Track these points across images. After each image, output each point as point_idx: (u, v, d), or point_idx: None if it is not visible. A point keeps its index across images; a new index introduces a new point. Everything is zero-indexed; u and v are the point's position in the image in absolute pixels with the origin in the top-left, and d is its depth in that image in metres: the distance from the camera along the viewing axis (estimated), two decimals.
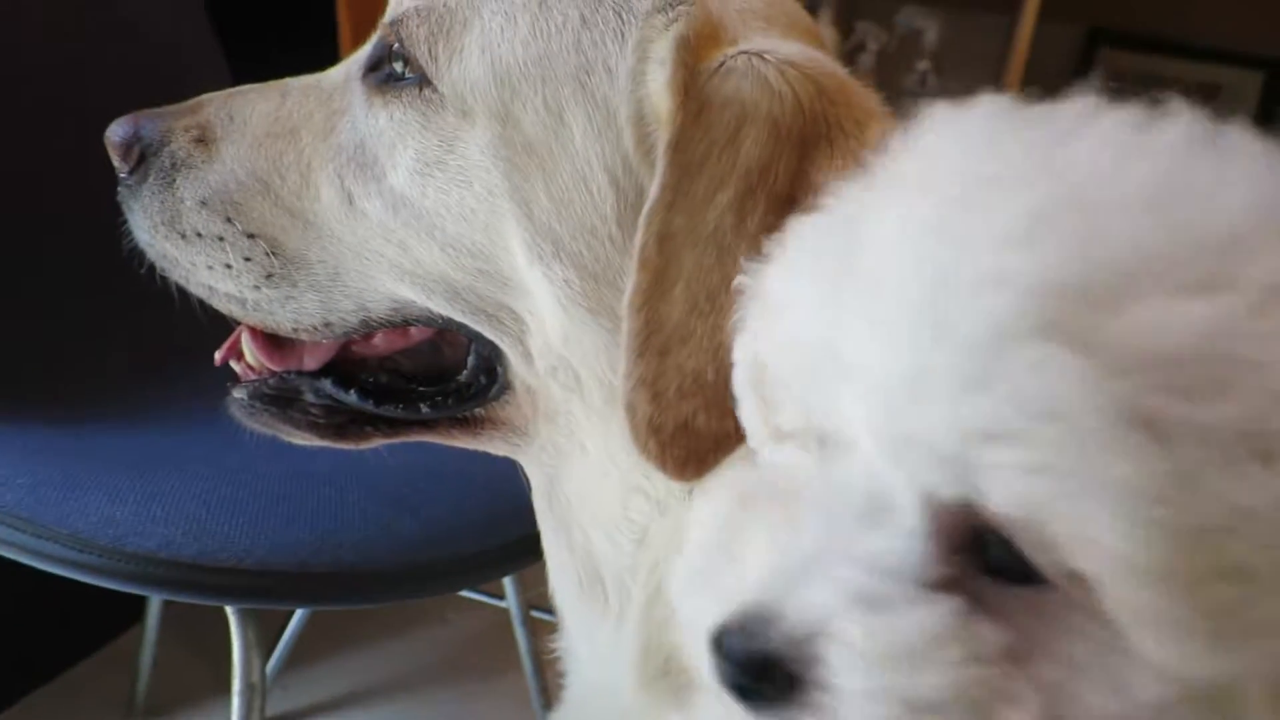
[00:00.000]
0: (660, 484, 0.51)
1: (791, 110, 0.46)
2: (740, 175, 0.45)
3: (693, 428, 0.45)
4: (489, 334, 0.55)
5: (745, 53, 0.47)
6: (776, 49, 0.48)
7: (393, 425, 0.59)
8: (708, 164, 0.46)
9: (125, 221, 0.60)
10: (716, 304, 0.45)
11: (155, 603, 1.23)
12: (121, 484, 0.75)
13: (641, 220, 0.47)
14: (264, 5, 1.59)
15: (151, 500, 0.73)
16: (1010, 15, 2.06)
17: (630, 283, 0.47)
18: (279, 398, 0.59)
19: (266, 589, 0.69)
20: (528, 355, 0.55)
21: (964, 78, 2.19)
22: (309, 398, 0.59)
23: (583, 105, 0.50)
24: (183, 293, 0.59)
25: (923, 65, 2.21)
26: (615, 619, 0.56)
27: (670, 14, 0.49)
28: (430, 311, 0.55)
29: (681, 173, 0.46)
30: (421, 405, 0.58)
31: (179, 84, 0.68)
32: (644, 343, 0.46)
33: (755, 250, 0.42)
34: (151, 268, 0.60)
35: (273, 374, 0.60)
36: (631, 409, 0.46)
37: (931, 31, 2.19)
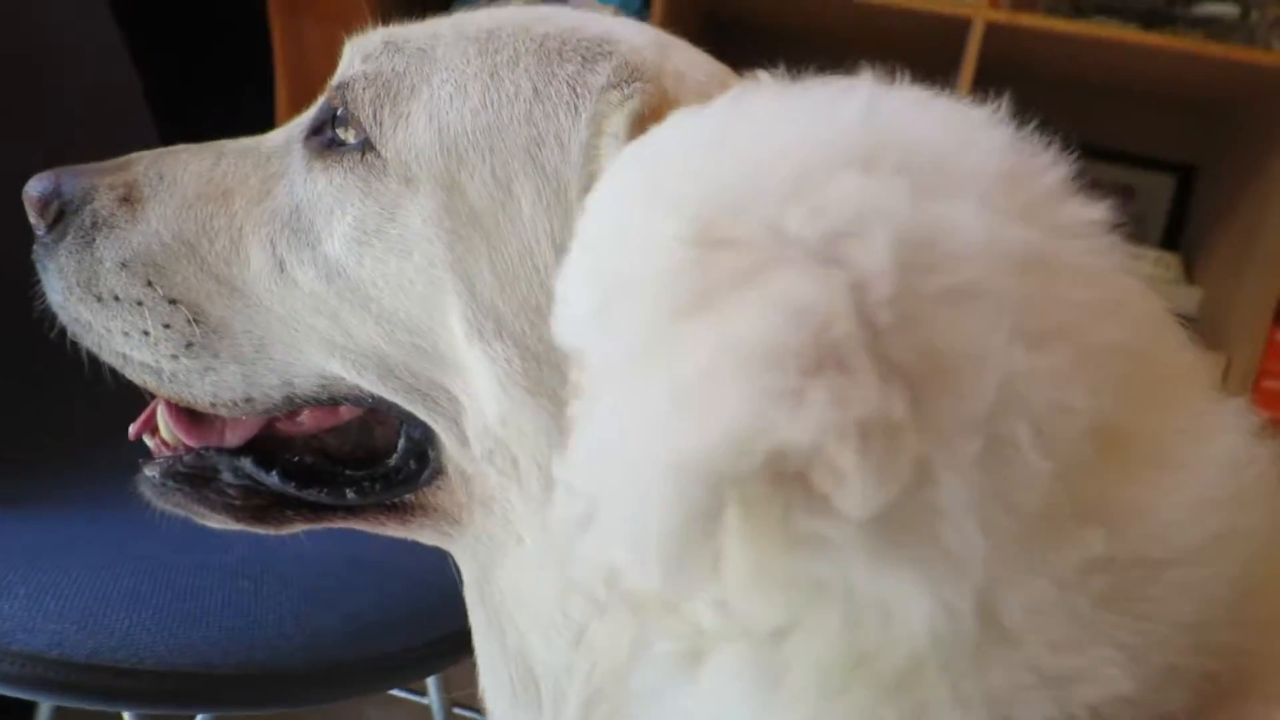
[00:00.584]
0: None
1: None
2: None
3: None
4: (422, 415, 0.52)
5: None
6: None
7: (316, 510, 0.56)
8: None
9: (37, 283, 0.56)
10: None
11: (45, 708, 1.13)
12: (9, 575, 0.69)
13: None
14: (199, 68, 1.56)
15: (43, 593, 0.67)
16: None
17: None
18: (194, 476, 0.56)
19: (169, 693, 0.63)
20: (463, 438, 0.52)
21: None
22: (227, 477, 0.56)
23: (532, 178, 0.48)
24: (94, 362, 0.56)
25: None
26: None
27: (626, 90, 0.48)
28: (360, 389, 0.53)
29: None
30: (348, 490, 0.55)
31: (101, 142, 0.64)
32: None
33: None
34: (62, 333, 0.56)
35: (189, 450, 0.57)
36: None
37: None
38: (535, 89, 0.49)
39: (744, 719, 0.33)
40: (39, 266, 0.56)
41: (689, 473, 0.28)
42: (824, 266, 0.29)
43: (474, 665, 0.58)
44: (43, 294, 0.57)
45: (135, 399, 0.63)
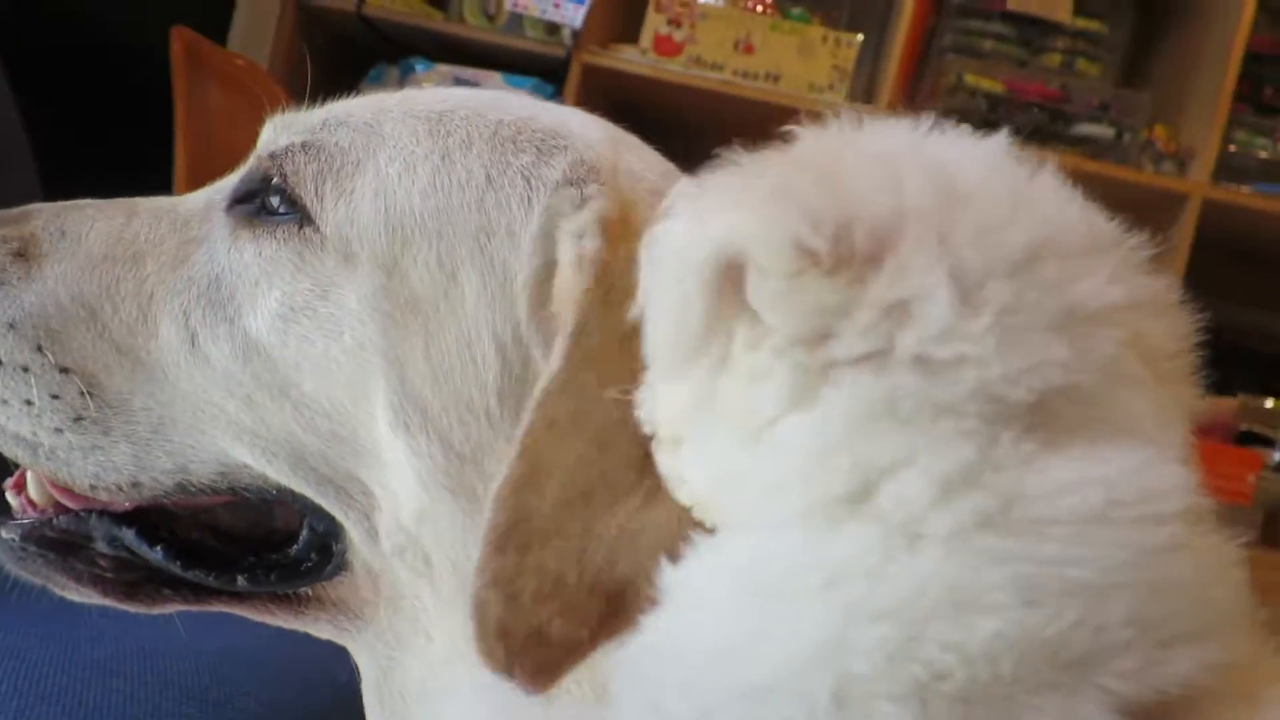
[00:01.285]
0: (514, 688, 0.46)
1: None
2: (640, 370, 0.42)
3: (545, 635, 0.40)
4: (332, 508, 0.49)
5: None
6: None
7: (198, 592, 0.52)
8: (607, 354, 0.42)
9: None
10: (591, 501, 0.41)
11: None
12: None
13: (531, 403, 0.43)
14: (95, 127, 1.50)
15: None
16: None
17: (505, 470, 0.42)
18: (61, 543, 0.51)
19: None
20: (373, 533, 0.49)
21: None
22: (100, 546, 0.51)
23: (479, 267, 0.47)
24: None
25: None
26: None
27: (584, 190, 0.47)
28: (265, 479, 0.50)
29: (581, 360, 0.42)
30: (239, 576, 0.51)
31: None
32: (505, 537, 0.41)
33: (638, 449, 0.40)
34: None
35: (63, 512, 0.52)
36: (482, 608, 0.41)
37: None
38: (489, 177, 0.48)
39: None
40: None
41: (679, 261, 0.37)
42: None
43: None
44: None
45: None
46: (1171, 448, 0.36)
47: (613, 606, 0.40)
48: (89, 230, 0.52)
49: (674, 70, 2.07)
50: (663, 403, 0.39)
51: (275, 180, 0.50)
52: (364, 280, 0.47)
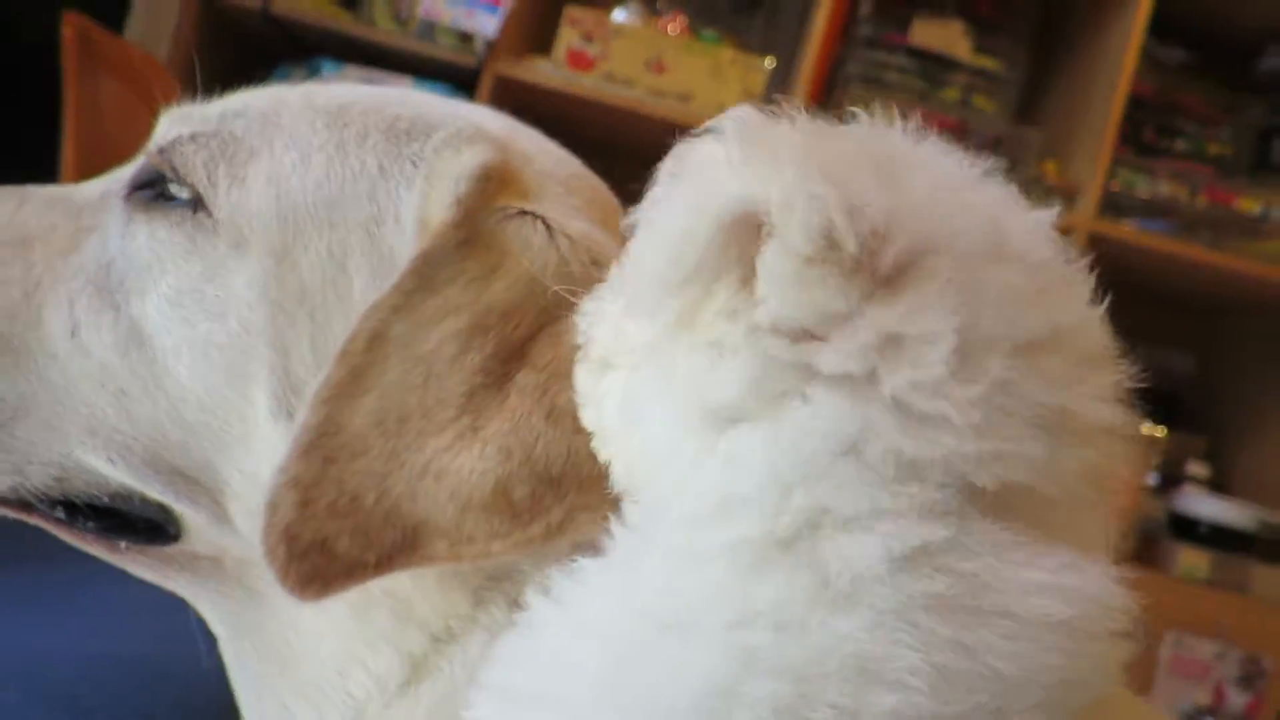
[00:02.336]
0: (383, 660, 0.46)
1: (553, 273, 0.45)
2: (480, 310, 0.43)
3: (330, 548, 0.41)
4: (175, 501, 0.49)
5: (531, 213, 0.46)
6: (565, 221, 0.47)
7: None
8: (452, 287, 0.43)
9: None
10: (406, 429, 0.42)
11: None
12: None
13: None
14: None
15: None
16: None
17: (323, 374, 0.43)
18: None
19: None
20: (222, 517, 0.48)
21: None
22: None
23: (369, 257, 0.47)
24: None
25: None
26: None
27: (462, 146, 0.47)
28: (105, 484, 0.49)
29: (423, 283, 0.43)
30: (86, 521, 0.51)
31: None
32: (313, 441, 0.41)
33: (466, 387, 0.41)
34: None
35: None
36: (273, 507, 0.41)
37: None
38: (381, 167, 0.48)
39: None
40: None
41: (694, 201, 0.34)
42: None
43: None
44: None
45: None
46: (1112, 571, 0.35)
47: (405, 540, 0.40)
48: None
49: (586, 85, 2.08)
50: (610, 325, 0.38)
51: (168, 170, 0.49)
52: (253, 266, 0.47)
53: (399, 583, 0.46)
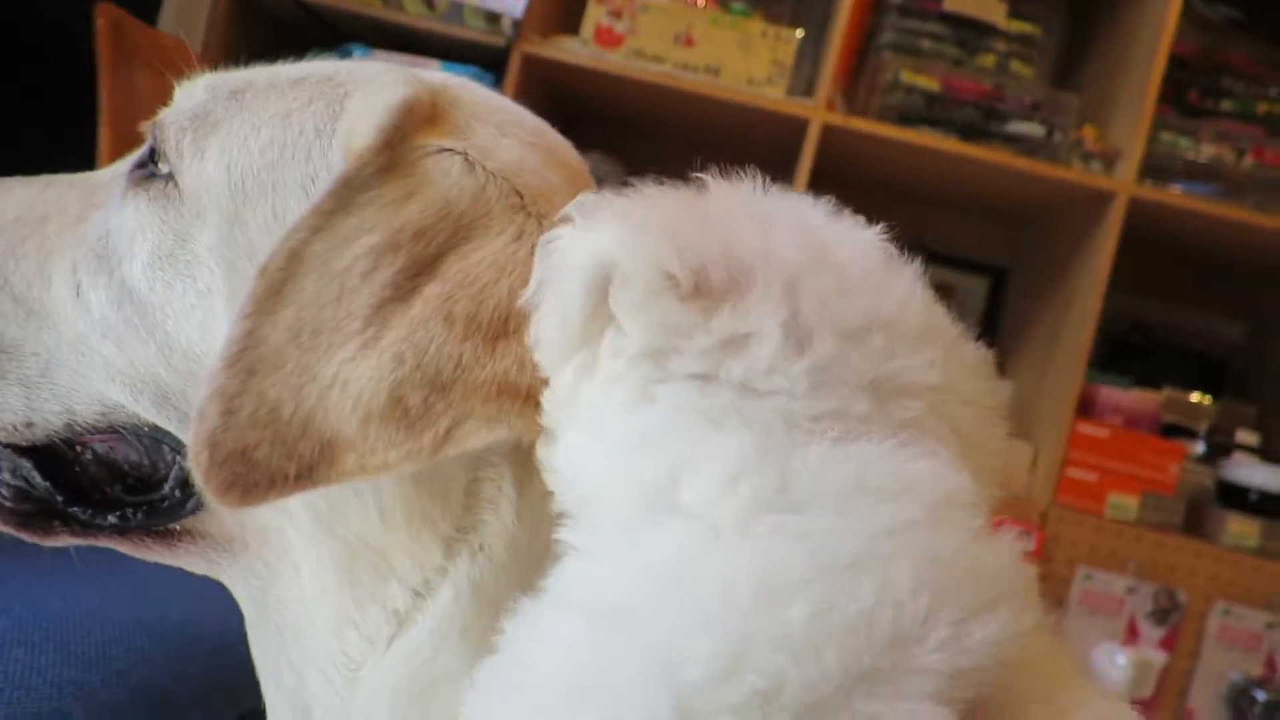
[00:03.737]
0: (371, 617, 0.48)
1: (469, 199, 0.47)
2: (394, 229, 0.45)
3: (251, 457, 0.43)
4: (185, 438, 0.52)
5: (453, 150, 0.48)
6: (491, 153, 0.49)
7: (84, 525, 0.56)
8: (368, 209, 0.45)
9: None
10: (318, 342, 0.44)
11: None
12: None
13: (280, 235, 0.45)
14: (19, 108, 1.46)
15: None
16: None
17: (245, 290, 0.45)
18: None
19: None
20: None
21: None
22: (4, 475, 0.56)
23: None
24: None
25: None
26: None
27: (390, 88, 0.49)
28: (139, 418, 0.54)
29: (340, 205, 0.45)
30: (109, 515, 0.55)
31: None
32: (237, 354, 0.44)
33: (374, 300, 0.43)
34: None
35: None
36: (201, 416, 0.43)
37: None
38: (317, 128, 0.50)
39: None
40: None
41: (567, 266, 0.42)
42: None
43: None
44: None
45: None
46: (956, 458, 0.40)
47: (322, 454, 0.42)
48: (6, 197, 0.57)
49: (614, 62, 2.08)
50: (548, 395, 0.43)
51: (154, 144, 0.53)
52: (212, 231, 0.50)
53: (374, 535, 0.48)
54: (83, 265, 0.53)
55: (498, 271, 0.45)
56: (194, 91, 0.54)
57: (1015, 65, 2.24)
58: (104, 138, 1.51)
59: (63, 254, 0.54)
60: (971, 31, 2.25)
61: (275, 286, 0.44)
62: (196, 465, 0.43)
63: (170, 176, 0.52)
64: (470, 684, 0.39)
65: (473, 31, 2.12)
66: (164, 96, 1.83)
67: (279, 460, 0.42)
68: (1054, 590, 2.00)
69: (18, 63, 1.78)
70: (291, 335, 0.43)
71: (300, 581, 0.51)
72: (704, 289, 0.40)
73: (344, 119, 0.50)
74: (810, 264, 0.41)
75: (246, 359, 0.43)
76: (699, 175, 0.46)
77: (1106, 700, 0.39)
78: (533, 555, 0.48)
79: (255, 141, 0.51)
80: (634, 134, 2.41)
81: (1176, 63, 2.09)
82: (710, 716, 0.32)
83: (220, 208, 0.50)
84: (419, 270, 0.45)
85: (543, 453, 0.44)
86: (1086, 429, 2.03)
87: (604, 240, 0.41)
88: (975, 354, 0.44)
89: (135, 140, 0.59)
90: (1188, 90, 2.23)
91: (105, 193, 0.56)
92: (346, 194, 0.46)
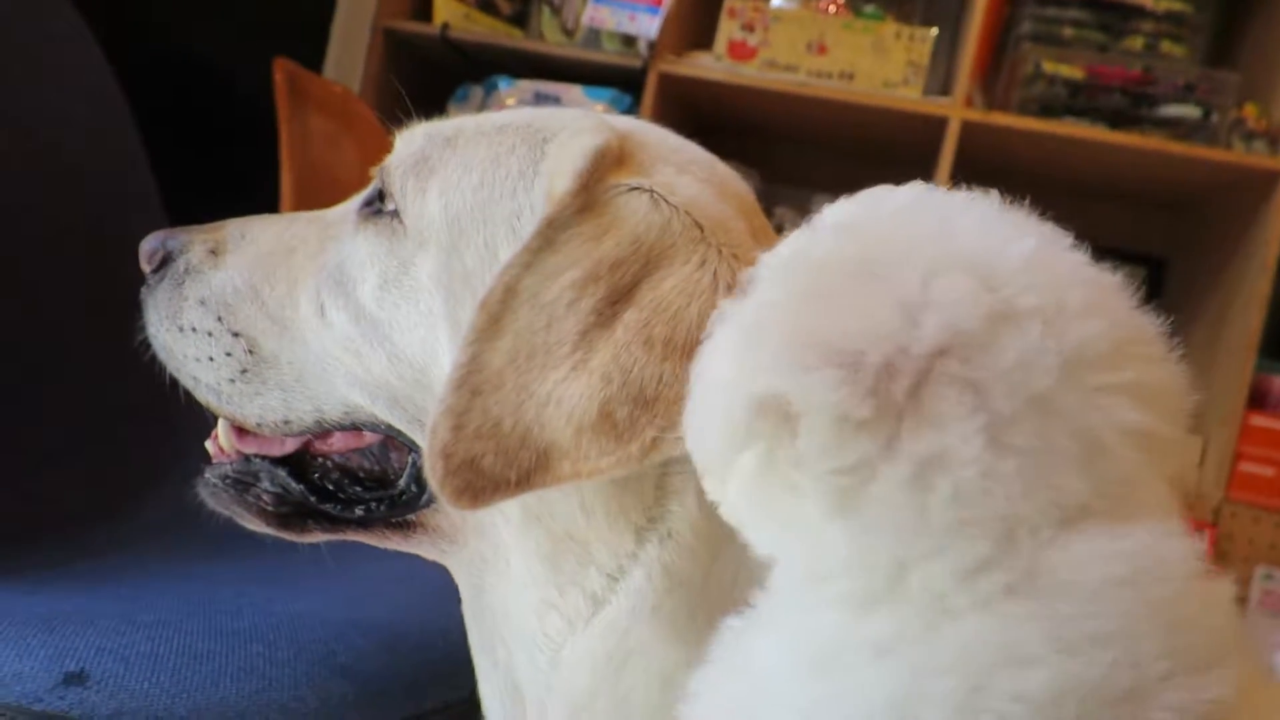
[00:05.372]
0: (571, 600, 0.54)
1: (657, 232, 0.52)
2: (593, 263, 0.51)
3: (478, 466, 0.49)
4: (417, 438, 0.59)
5: (640, 188, 0.53)
6: (670, 191, 0.54)
7: (333, 522, 0.63)
8: (570, 245, 0.51)
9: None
10: (533, 364, 0.49)
11: None
12: (30, 639, 0.70)
13: (490, 268, 0.52)
14: (210, 160, 1.61)
15: (63, 656, 0.68)
16: None
17: (462, 313, 0.51)
18: (239, 481, 0.64)
19: None
20: None
21: None
22: (264, 484, 0.63)
23: (512, 244, 0.56)
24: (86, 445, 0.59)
25: None
26: None
27: (585, 135, 0.55)
28: (376, 417, 0.60)
29: (545, 243, 0.51)
30: (356, 508, 0.62)
31: (121, 238, 0.69)
32: (463, 378, 0.50)
33: (581, 327, 0.49)
34: (60, 419, 0.59)
35: (240, 456, 0.65)
36: (433, 432, 0.49)
37: None
38: (520, 170, 0.57)
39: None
40: (144, 304, 0.66)
41: (732, 389, 0.41)
42: (901, 325, 0.39)
43: None
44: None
45: (127, 486, 0.63)
46: (1176, 526, 0.40)
47: (539, 461, 0.48)
48: (261, 233, 0.66)
49: (749, 74, 2.11)
50: (705, 451, 0.44)
51: (381, 186, 0.61)
52: (432, 261, 0.57)
53: (577, 527, 0.54)
54: (324, 289, 0.61)
55: (687, 298, 0.50)
56: (413, 139, 0.61)
57: (1166, 45, 2.16)
58: (285, 180, 1.65)
59: (307, 280, 0.62)
60: (1116, 14, 2.18)
61: (494, 317, 0.50)
62: (432, 474, 0.49)
63: (395, 213, 0.59)
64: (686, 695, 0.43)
65: (610, 55, 2.19)
66: (335, 138, 1.96)
67: (502, 468, 0.48)
68: None
69: (207, 115, 1.95)
70: (509, 359, 0.49)
71: (510, 570, 0.56)
72: (887, 408, 0.38)
73: (545, 163, 0.56)
74: (987, 325, 0.39)
75: (472, 381, 0.49)
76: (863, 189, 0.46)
77: None
78: (713, 539, 0.52)
79: (468, 183, 0.57)
80: (772, 143, 2.43)
81: None
82: None
83: (439, 241, 0.57)
84: (617, 298, 0.50)
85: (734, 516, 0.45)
86: (1259, 420, 1.94)
87: (764, 386, 0.39)
88: (1160, 346, 0.42)
89: (313, 179, 0.67)
90: None
91: (339, 227, 0.63)
92: (551, 233, 0.51)
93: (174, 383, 0.66)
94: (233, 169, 1.72)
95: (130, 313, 0.68)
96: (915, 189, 0.46)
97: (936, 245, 0.42)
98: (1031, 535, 0.38)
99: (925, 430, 0.38)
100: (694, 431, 0.44)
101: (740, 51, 2.14)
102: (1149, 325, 0.43)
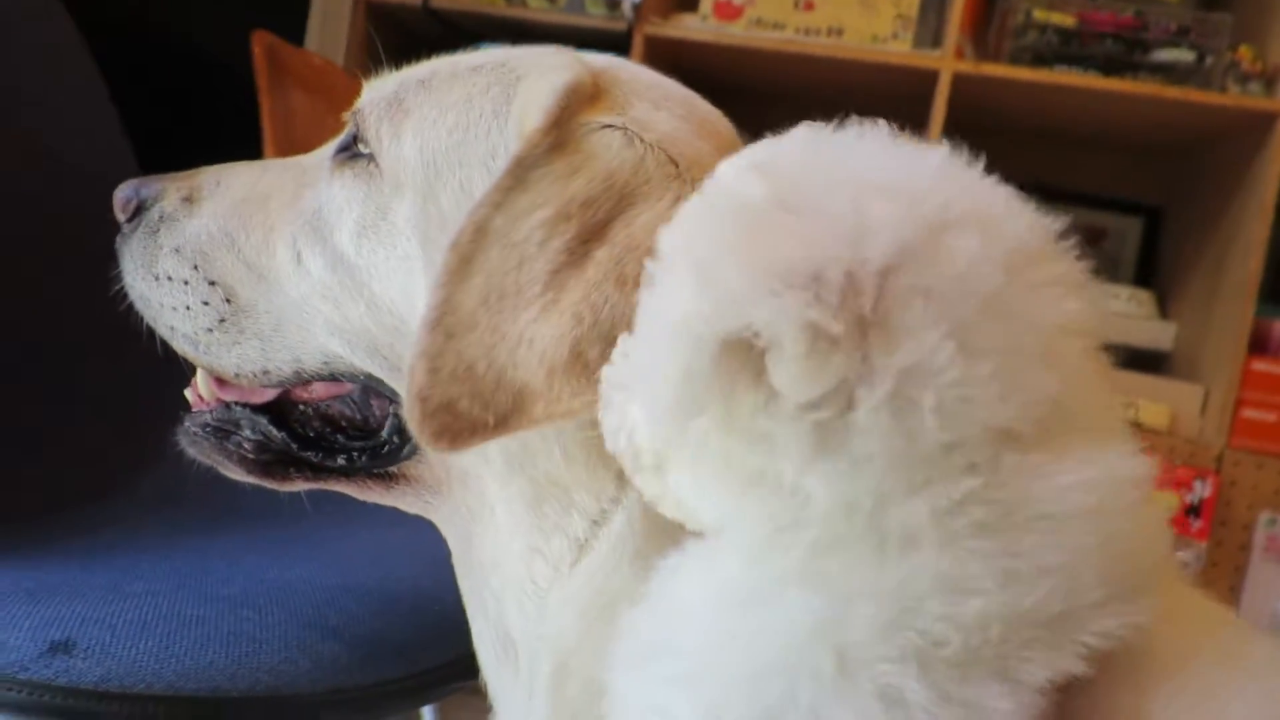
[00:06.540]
0: (555, 545, 0.54)
1: (630, 169, 0.51)
2: (564, 201, 0.50)
3: (455, 409, 0.48)
4: (396, 386, 0.58)
5: (613, 125, 0.52)
6: (648, 126, 0.53)
7: (315, 470, 0.63)
8: (541, 184, 0.50)
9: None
10: (505, 305, 0.49)
11: None
12: (14, 610, 0.69)
13: (467, 211, 0.51)
14: (190, 133, 1.59)
15: (48, 625, 0.67)
16: None
17: (440, 262, 0.50)
18: (219, 429, 0.63)
19: (177, 718, 0.63)
20: None
21: None
22: (245, 432, 0.63)
23: (487, 186, 0.54)
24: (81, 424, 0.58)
25: None
26: (527, 688, 0.56)
27: (556, 73, 0.54)
28: (355, 367, 0.60)
29: (516, 182, 0.50)
30: (339, 456, 0.62)
31: (101, 215, 0.68)
32: (436, 319, 0.49)
33: (551, 266, 0.48)
34: (57, 398, 0.58)
35: (220, 404, 0.64)
36: (410, 374, 0.49)
37: None
38: (494, 110, 0.56)
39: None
40: (119, 254, 0.65)
41: (685, 330, 0.39)
42: (848, 247, 0.38)
43: (467, 697, 0.61)
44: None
45: (123, 463, 0.62)
46: (1127, 439, 0.41)
47: (516, 404, 0.48)
48: (235, 180, 0.65)
49: (735, 34, 2.08)
50: (644, 432, 0.42)
51: (355, 130, 0.59)
52: (408, 204, 0.56)
53: (559, 472, 0.53)
54: (301, 236, 0.60)
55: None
56: (386, 82, 0.60)
57: None
58: (268, 153, 1.63)
59: (283, 226, 0.61)
60: None
61: (465, 258, 0.49)
62: (410, 418, 0.48)
63: (371, 157, 0.58)
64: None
65: (594, 19, 2.17)
66: (318, 113, 1.93)
67: (479, 410, 0.48)
68: (1235, 538, 1.91)
69: (186, 90, 1.93)
70: (481, 300, 0.49)
71: (496, 519, 0.56)
72: (859, 324, 0.37)
73: (516, 101, 0.55)
74: (929, 234, 0.39)
75: (445, 323, 0.49)
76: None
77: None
78: None
79: (442, 124, 0.56)
80: (763, 103, 2.40)
81: None
82: (869, 665, 0.36)
83: (415, 184, 0.56)
84: (589, 237, 0.49)
85: (649, 482, 0.44)
86: (1260, 366, 1.92)
87: (732, 314, 0.38)
88: (1070, 247, 0.43)
89: (296, 153, 0.66)
90: None
91: (314, 173, 0.62)
92: (521, 172, 0.50)
93: (169, 359, 0.64)
94: (214, 146, 1.69)
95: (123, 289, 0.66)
96: (803, 130, 0.46)
97: (849, 174, 0.42)
98: (1017, 451, 0.38)
99: (896, 342, 0.37)
100: (644, 402, 0.41)
101: (726, 11, 2.11)
102: (1050, 223, 0.43)
